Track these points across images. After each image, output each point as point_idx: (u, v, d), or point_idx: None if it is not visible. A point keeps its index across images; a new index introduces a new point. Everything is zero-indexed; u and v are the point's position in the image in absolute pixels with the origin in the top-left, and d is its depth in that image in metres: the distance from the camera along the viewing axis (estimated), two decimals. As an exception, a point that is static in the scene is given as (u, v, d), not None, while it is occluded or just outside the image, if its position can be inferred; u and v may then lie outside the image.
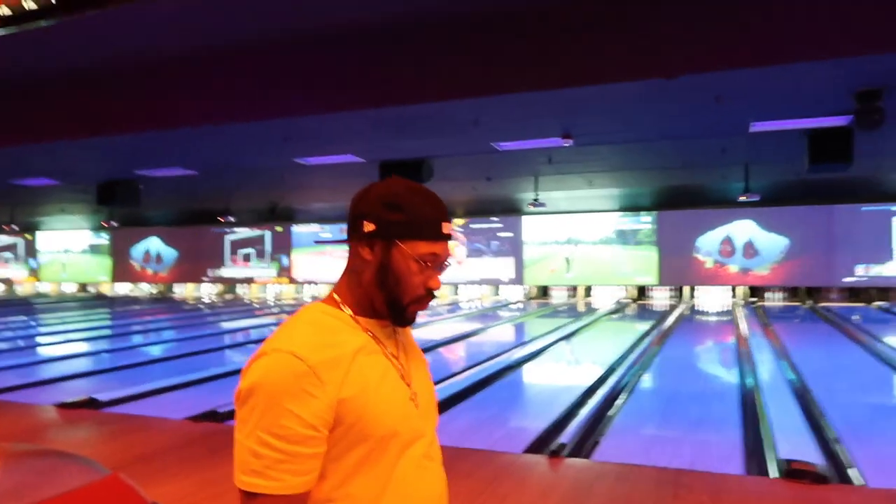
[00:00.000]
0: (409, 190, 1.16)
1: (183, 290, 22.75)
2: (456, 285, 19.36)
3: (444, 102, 6.63)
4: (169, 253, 22.30)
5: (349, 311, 1.17)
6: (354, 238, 1.17)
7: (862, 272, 15.76)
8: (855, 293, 16.20)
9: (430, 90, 6.03)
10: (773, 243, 16.28)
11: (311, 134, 8.78)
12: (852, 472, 4.23)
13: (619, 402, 6.34)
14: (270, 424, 1.03)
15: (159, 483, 3.70)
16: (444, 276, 1.22)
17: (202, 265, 21.80)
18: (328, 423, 1.06)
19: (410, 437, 1.15)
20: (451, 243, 1.20)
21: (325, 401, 1.05)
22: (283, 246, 20.81)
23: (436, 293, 1.19)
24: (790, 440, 4.90)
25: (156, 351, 10.77)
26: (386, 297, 1.16)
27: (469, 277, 18.96)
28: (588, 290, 18.49)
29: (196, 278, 22.09)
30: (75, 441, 4.78)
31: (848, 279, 15.87)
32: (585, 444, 4.93)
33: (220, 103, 6.86)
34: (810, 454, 4.47)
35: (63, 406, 5.96)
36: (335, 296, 1.20)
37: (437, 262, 1.16)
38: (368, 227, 1.14)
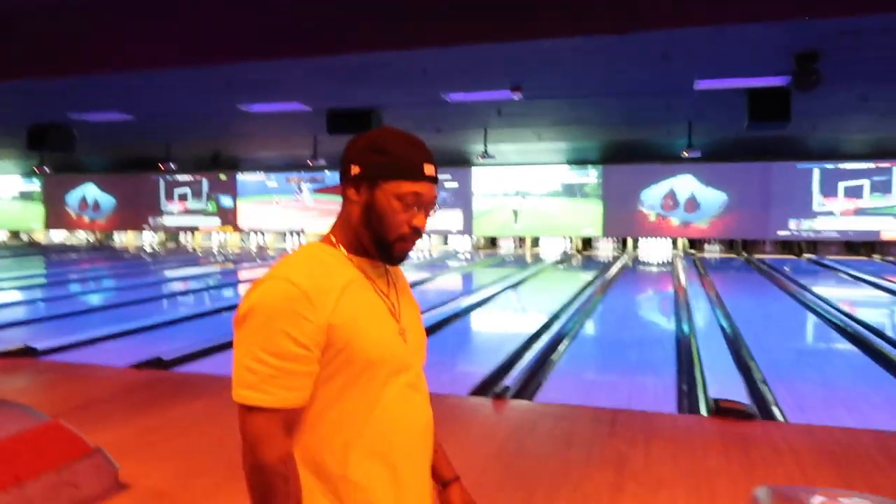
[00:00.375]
0: (394, 135, 1.23)
1: (123, 239, 22.10)
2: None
3: (392, 52, 6.52)
4: (107, 200, 21.54)
5: (343, 251, 1.24)
6: (344, 181, 1.24)
7: (794, 226, 16.45)
8: (787, 246, 16.95)
9: (379, 39, 5.92)
10: (712, 198, 16.78)
11: (256, 81, 8.52)
12: (775, 410, 4.52)
13: (561, 347, 6.55)
14: (265, 343, 1.11)
15: (101, 430, 3.65)
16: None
17: (143, 213, 21.17)
18: (319, 344, 1.13)
19: (396, 367, 1.21)
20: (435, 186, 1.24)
21: (317, 323, 1.12)
22: (229, 195, 20.35)
23: (423, 233, 1.24)
24: (721, 382, 5.18)
25: (96, 299, 10.50)
26: (372, 235, 1.22)
27: (417, 228, 18.96)
28: (535, 241, 18.79)
29: (136, 226, 21.47)
30: (12, 390, 4.67)
31: (781, 233, 16.55)
32: (529, 387, 5.10)
33: (156, 47, 6.56)
34: (739, 394, 4.73)
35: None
36: (331, 236, 1.26)
37: (421, 202, 1.21)
38: (355, 170, 1.21)
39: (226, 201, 20.32)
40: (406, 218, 1.21)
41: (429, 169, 1.22)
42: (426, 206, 1.23)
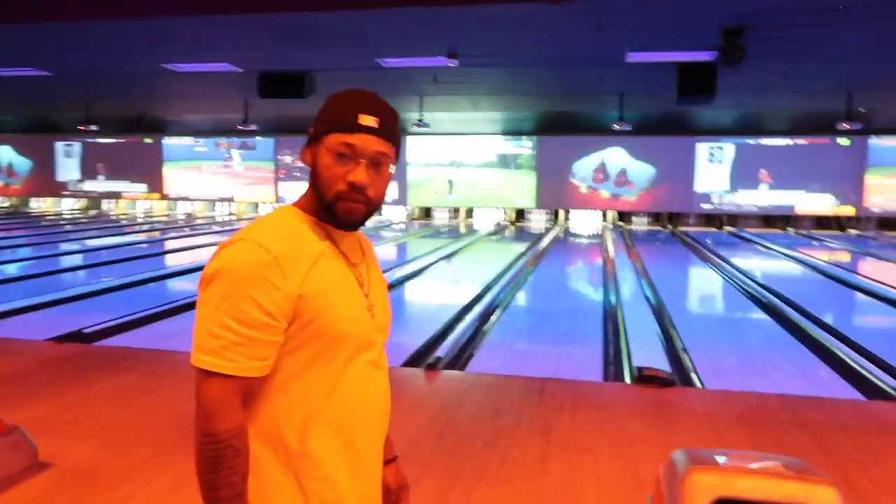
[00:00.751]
0: (346, 93, 1.19)
1: (41, 205, 21.02)
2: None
3: (326, 13, 6.37)
4: (23, 163, 20.39)
5: (311, 215, 1.20)
6: (306, 144, 1.21)
7: (716, 200, 17.13)
8: (710, 219, 17.65)
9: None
10: (641, 171, 17.25)
11: (182, 38, 8.18)
12: (694, 377, 4.76)
13: (493, 318, 6.67)
14: (231, 308, 1.07)
15: (20, 408, 3.52)
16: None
17: (62, 178, 20.13)
18: (286, 314, 1.10)
19: (362, 343, 1.19)
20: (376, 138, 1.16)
21: (286, 292, 1.09)
22: (154, 159, 19.55)
23: (363, 190, 1.16)
24: (644, 350, 5.40)
25: (12, 269, 9.99)
26: (317, 197, 1.18)
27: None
28: (469, 212, 18.90)
29: (55, 192, 20.43)
30: (-80, 364, 4.42)
31: (704, 206, 17.21)
32: (461, 358, 5.18)
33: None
34: (660, 362, 4.95)
35: None
36: (302, 202, 1.22)
37: (357, 154, 1.14)
38: (310, 131, 1.19)
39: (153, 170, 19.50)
40: (341, 173, 1.14)
41: (364, 119, 1.14)
42: (366, 158, 1.15)
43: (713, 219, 17.64)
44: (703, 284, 9.84)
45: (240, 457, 1.08)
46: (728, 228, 17.25)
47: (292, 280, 1.09)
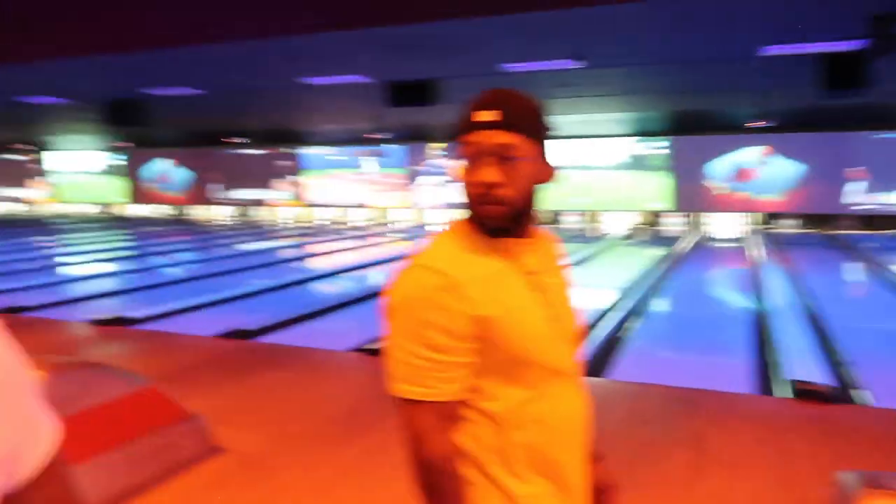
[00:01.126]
0: (474, 96, 1.14)
1: (197, 212, 22.91)
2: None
3: (450, 21, 6.52)
4: (182, 174, 22.33)
5: (486, 230, 1.15)
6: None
7: (873, 200, 15.66)
8: (867, 221, 16.13)
9: (435, 9, 5.93)
10: (786, 170, 16.11)
11: (316, 53, 8.64)
12: (860, 394, 4.39)
13: (632, 325, 6.50)
14: (415, 335, 1.08)
15: (193, 396, 3.82)
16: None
17: (215, 187, 21.84)
18: (471, 335, 1.08)
19: (551, 362, 1.15)
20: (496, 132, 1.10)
21: (465, 313, 1.07)
22: (294, 168, 20.75)
23: (493, 188, 1.10)
24: (800, 362, 5.04)
25: (178, 271, 10.99)
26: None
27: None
28: (598, 215, 18.49)
29: (209, 200, 22.20)
30: (107, 356, 4.95)
31: (858, 207, 15.78)
32: (601, 365, 5.09)
33: (217, 20, 6.76)
34: (819, 376, 4.61)
35: (95, 323, 6.17)
36: (472, 217, 1.18)
37: (479, 153, 1.10)
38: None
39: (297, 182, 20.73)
40: (473, 177, 1.11)
41: (481, 115, 1.10)
42: (490, 155, 1.09)
43: (871, 220, 16.11)
44: (864, 291, 9.05)
45: (455, 480, 1.10)
46: (890, 231, 15.72)
47: (470, 301, 1.08)
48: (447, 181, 18.54)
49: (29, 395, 0.68)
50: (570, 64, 8.87)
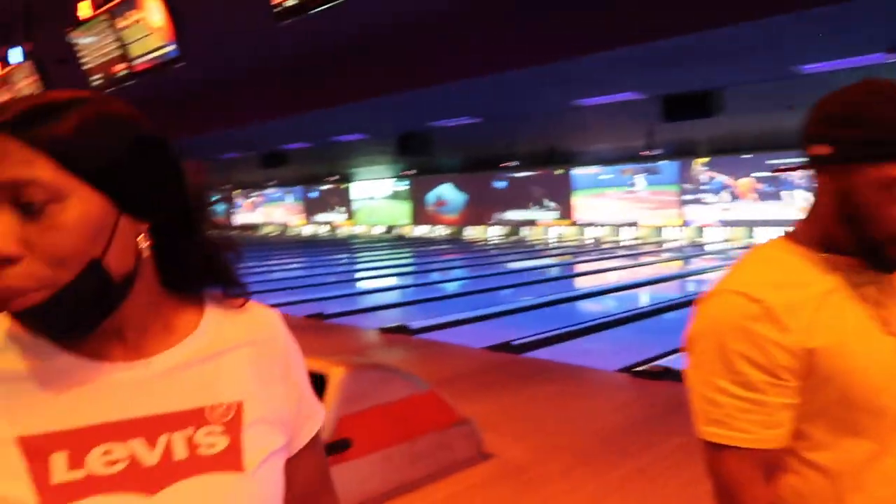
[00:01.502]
0: (869, 95, 0.92)
1: (472, 232, 24.40)
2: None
3: (738, 25, 6.08)
4: (458, 197, 23.98)
5: (814, 248, 0.99)
6: (810, 164, 0.98)
7: None
8: None
9: (720, 14, 5.58)
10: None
11: (587, 74, 8.67)
12: None
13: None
14: (724, 370, 0.93)
15: (464, 403, 4.01)
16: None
17: (488, 208, 23.08)
18: (793, 371, 0.92)
19: None
20: None
21: (786, 346, 0.91)
22: (564, 189, 21.04)
23: None
24: None
25: (453, 286, 11.84)
26: (852, 233, 0.95)
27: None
28: None
29: (483, 221, 23.49)
30: (392, 360, 5.49)
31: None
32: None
33: (500, 52, 7.17)
34: None
35: (382, 330, 6.92)
36: (797, 232, 1.02)
37: None
38: (821, 149, 0.95)
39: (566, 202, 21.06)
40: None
41: None
42: None
43: None
44: None
45: None
46: None
47: (793, 331, 0.91)
48: (723, 198, 17.34)
49: (307, 378, 0.84)
50: (883, 58, 7.69)
